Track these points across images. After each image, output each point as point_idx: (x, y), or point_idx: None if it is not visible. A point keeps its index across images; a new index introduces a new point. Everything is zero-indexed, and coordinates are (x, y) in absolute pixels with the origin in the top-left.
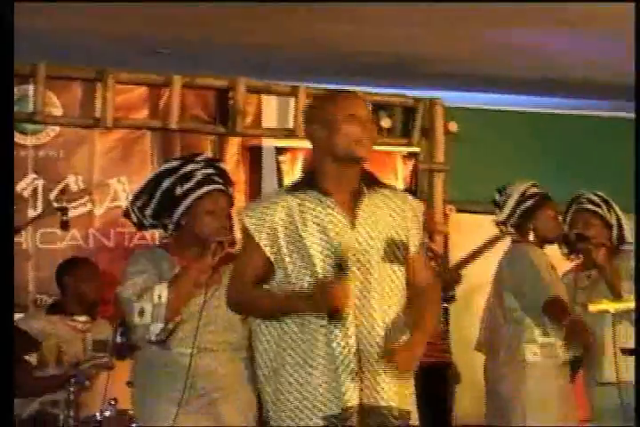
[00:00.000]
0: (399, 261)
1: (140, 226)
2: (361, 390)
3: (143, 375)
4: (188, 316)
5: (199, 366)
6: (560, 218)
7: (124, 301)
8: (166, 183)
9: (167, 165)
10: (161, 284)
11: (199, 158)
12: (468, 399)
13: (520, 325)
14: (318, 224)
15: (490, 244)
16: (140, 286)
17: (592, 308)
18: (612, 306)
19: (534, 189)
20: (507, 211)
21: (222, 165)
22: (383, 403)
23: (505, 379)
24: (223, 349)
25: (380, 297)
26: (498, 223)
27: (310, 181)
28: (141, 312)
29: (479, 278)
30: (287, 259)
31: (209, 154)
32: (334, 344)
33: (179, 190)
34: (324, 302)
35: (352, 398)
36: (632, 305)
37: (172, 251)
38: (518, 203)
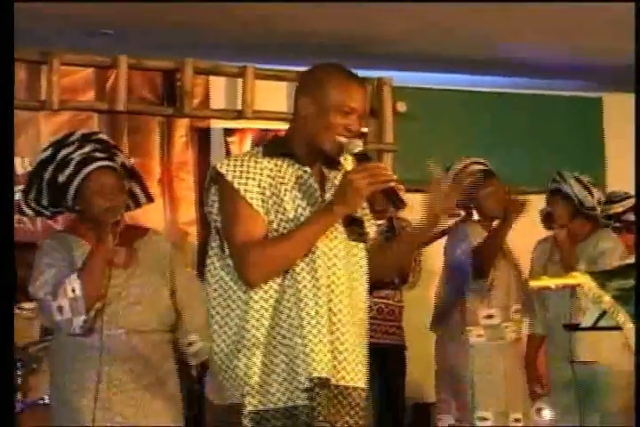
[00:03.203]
0: (360, 239)
1: (41, 215)
2: (336, 368)
3: (64, 358)
4: (111, 297)
5: (128, 349)
6: (507, 194)
7: (39, 301)
8: (47, 174)
9: (43, 155)
10: (71, 276)
11: (72, 138)
12: (418, 379)
13: (465, 307)
14: (297, 191)
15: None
16: (52, 283)
17: (533, 284)
18: (552, 282)
19: (474, 167)
20: None
21: (101, 137)
22: (352, 384)
23: (452, 360)
24: (152, 330)
25: (347, 274)
26: None
27: (285, 148)
28: (60, 309)
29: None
30: (272, 224)
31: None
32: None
33: (61, 178)
34: (353, 191)
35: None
36: (574, 282)
37: (80, 234)
38: (455, 182)
